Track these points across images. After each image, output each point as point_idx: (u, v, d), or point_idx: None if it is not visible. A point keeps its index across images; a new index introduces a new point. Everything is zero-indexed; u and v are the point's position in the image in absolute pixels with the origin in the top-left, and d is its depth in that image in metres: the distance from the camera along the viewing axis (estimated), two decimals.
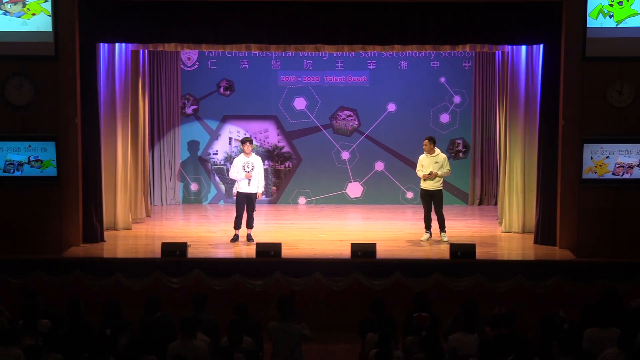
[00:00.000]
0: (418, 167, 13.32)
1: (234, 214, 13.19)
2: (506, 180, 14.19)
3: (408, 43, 13.09)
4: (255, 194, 13.13)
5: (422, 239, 13.32)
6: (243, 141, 13.24)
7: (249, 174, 12.96)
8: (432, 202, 13.21)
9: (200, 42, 13.17)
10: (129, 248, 13.03)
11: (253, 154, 13.22)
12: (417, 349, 8.30)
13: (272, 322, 8.81)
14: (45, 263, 11.93)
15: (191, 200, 17.01)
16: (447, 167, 13.19)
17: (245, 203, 13.08)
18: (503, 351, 7.97)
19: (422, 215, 13.49)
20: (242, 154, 13.18)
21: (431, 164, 13.12)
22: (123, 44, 13.67)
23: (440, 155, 13.24)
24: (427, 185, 13.19)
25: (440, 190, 13.25)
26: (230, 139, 16.89)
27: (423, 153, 13.28)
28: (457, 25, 12.60)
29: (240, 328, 8.43)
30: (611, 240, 12.28)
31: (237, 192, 13.16)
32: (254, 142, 16.70)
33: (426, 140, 13.23)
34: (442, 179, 13.28)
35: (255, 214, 13.32)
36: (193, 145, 16.99)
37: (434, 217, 13.29)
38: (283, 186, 17.01)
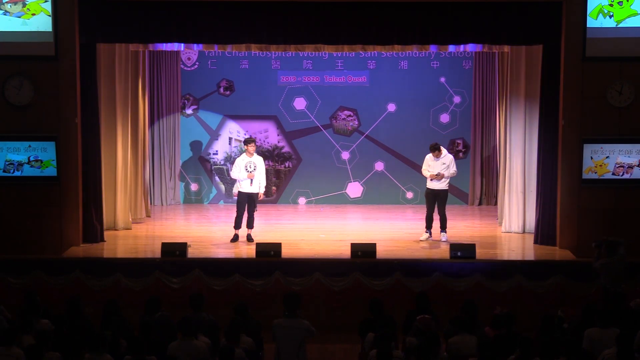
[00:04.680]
0: (424, 167, 13.34)
1: (234, 214, 13.19)
2: (506, 180, 14.19)
3: (408, 43, 13.09)
4: (257, 194, 13.13)
5: (422, 238, 13.32)
6: (247, 141, 13.20)
7: (252, 174, 12.96)
8: (436, 202, 13.22)
9: (200, 42, 13.18)
10: (129, 248, 13.03)
11: (255, 154, 13.21)
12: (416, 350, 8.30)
13: (277, 319, 8.79)
14: (45, 263, 11.94)
15: (191, 200, 17.01)
16: (453, 168, 13.20)
17: (247, 203, 13.07)
18: (503, 351, 7.97)
19: (422, 215, 13.50)
20: (244, 154, 13.17)
21: (438, 165, 13.14)
22: (123, 44, 13.67)
23: (447, 157, 13.24)
24: (433, 185, 13.21)
25: (446, 190, 13.27)
26: (230, 139, 16.89)
27: (429, 153, 13.29)
28: (457, 25, 12.59)
29: (239, 327, 8.42)
30: None
31: (239, 191, 13.16)
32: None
33: (436, 152, 13.13)
34: (448, 179, 13.29)
35: (255, 214, 13.31)
36: (193, 145, 16.99)
37: (436, 217, 13.29)
38: (283, 186, 17.01)
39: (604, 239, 10.79)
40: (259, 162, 13.12)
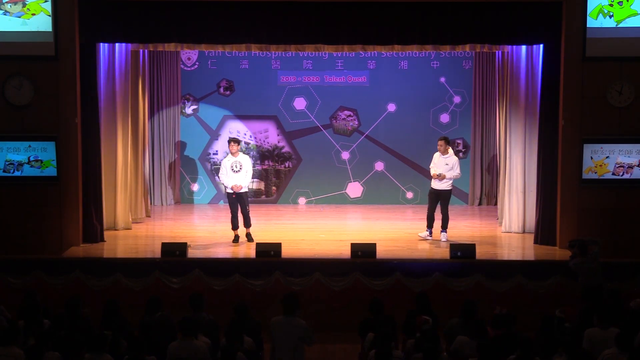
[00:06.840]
0: (431, 164, 13.34)
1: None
2: (506, 180, 14.19)
3: (408, 43, 13.08)
4: (246, 192, 13.08)
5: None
6: (229, 141, 13.17)
7: (238, 186, 12.86)
8: (438, 201, 13.21)
9: (200, 42, 13.17)
10: (129, 248, 13.03)
11: (240, 154, 13.15)
12: (415, 349, 8.30)
13: (275, 317, 8.79)
14: (45, 263, 11.94)
15: (191, 200, 17.01)
16: (457, 171, 13.14)
17: (238, 203, 13.05)
18: (503, 351, 7.96)
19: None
20: (229, 154, 13.13)
21: (441, 165, 13.12)
22: (123, 44, 13.67)
23: (452, 158, 13.20)
24: (435, 184, 13.20)
25: (449, 190, 13.24)
26: None
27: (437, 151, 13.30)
28: (457, 25, 12.60)
29: (238, 328, 8.42)
30: (611, 240, 12.27)
31: (226, 192, 13.14)
32: (252, 142, 16.75)
33: (442, 141, 13.19)
34: (452, 180, 13.27)
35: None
36: (193, 146, 16.99)
37: (437, 217, 13.29)
38: (283, 186, 17.01)
39: (578, 239, 10.86)
40: (244, 160, 13.07)
